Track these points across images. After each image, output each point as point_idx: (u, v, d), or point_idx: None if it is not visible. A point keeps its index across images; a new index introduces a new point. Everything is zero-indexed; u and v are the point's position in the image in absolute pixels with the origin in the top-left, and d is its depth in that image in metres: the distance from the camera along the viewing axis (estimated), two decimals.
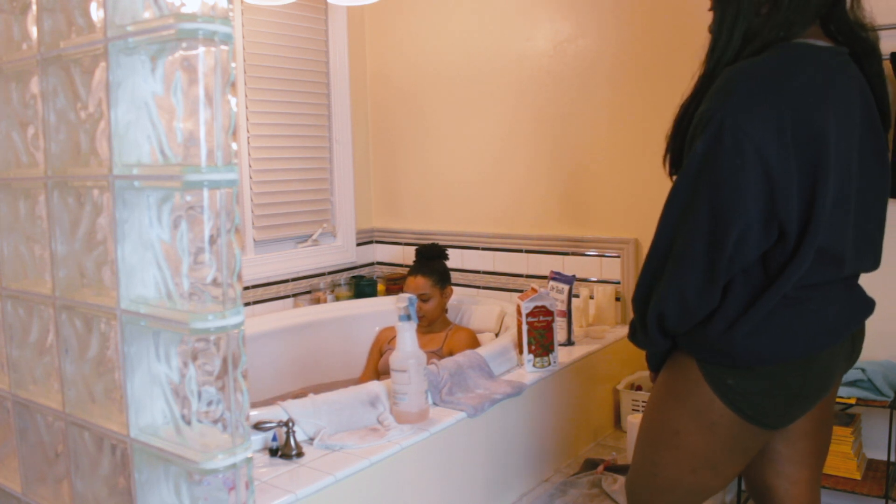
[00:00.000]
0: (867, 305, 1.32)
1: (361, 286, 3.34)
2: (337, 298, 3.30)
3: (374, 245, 3.61)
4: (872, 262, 1.33)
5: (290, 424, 1.72)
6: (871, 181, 1.27)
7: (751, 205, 1.12)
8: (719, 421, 1.24)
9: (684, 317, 1.21)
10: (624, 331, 2.77)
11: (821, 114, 1.14)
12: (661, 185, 1.38)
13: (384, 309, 3.11)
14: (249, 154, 3.04)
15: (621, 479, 2.17)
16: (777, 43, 1.18)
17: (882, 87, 1.28)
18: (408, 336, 1.91)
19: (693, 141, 1.16)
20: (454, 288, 2.89)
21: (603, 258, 2.90)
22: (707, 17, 1.29)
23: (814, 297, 1.21)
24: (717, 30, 1.24)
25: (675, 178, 1.31)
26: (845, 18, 1.24)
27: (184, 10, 0.96)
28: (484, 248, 3.24)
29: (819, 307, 1.23)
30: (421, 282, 2.72)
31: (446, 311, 2.86)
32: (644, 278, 1.26)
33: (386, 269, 3.57)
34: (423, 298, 2.70)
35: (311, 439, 1.79)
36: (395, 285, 3.38)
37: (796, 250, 1.16)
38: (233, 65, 0.96)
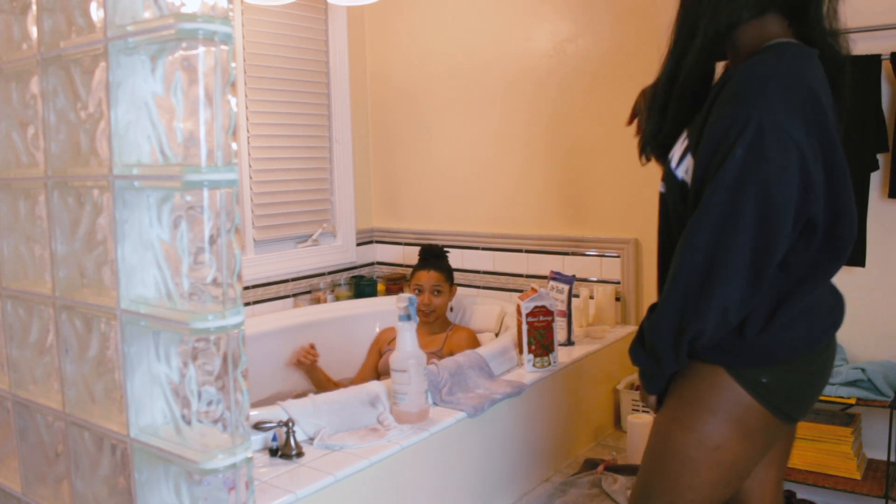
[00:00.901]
0: (839, 292, 1.34)
1: (361, 286, 3.34)
2: (337, 298, 3.30)
3: (374, 245, 3.61)
4: None
5: (290, 424, 1.72)
6: None
7: (792, 205, 1.12)
8: (756, 425, 1.23)
9: (722, 329, 1.18)
10: (624, 331, 2.77)
11: (830, 109, 1.16)
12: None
13: (384, 309, 3.11)
14: (249, 154, 3.04)
15: (621, 478, 2.17)
16: (728, 29, 1.19)
17: (844, 101, 1.27)
18: (408, 336, 1.91)
19: (720, 148, 1.12)
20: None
21: (603, 258, 2.89)
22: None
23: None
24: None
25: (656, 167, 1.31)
26: (820, 28, 1.22)
27: (184, 10, 0.96)
28: (484, 248, 3.24)
29: (822, 295, 1.26)
30: (435, 275, 2.74)
31: (451, 309, 2.86)
32: (673, 302, 1.17)
33: (386, 269, 3.57)
34: (437, 291, 2.72)
35: (311, 439, 1.79)
36: (395, 285, 3.38)
37: (834, 245, 1.17)
38: (233, 65, 0.96)
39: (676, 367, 1.24)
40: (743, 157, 1.09)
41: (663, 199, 1.31)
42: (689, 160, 1.21)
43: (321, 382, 2.76)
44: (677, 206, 1.24)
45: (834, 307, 1.30)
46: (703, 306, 1.15)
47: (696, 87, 1.25)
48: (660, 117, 1.29)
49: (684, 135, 1.25)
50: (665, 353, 1.22)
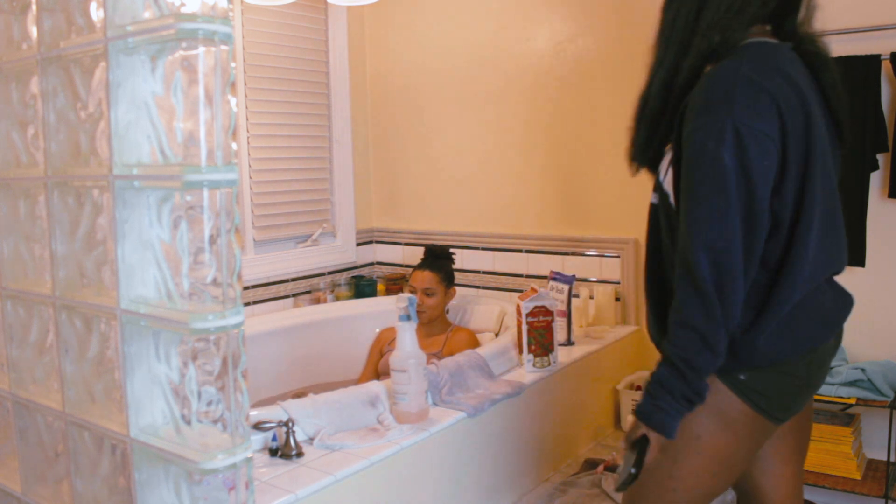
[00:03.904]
0: (850, 298, 1.35)
1: (361, 286, 3.34)
2: (337, 298, 3.30)
3: (374, 245, 3.61)
4: (843, 262, 1.35)
5: (290, 424, 1.72)
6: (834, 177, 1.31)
7: (768, 199, 1.16)
8: (739, 418, 1.25)
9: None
10: (624, 331, 2.77)
11: (807, 100, 1.18)
12: None
13: (384, 309, 3.11)
14: (249, 154, 3.04)
15: None
16: (721, 46, 1.21)
17: (838, 99, 1.29)
18: (408, 336, 1.91)
19: (703, 159, 1.15)
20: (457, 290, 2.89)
21: (603, 258, 2.89)
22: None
23: (810, 292, 1.24)
24: (672, 17, 1.30)
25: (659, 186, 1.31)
26: (795, 34, 1.27)
27: (184, 10, 0.96)
28: (484, 248, 3.24)
29: (816, 302, 1.26)
30: (428, 276, 2.73)
31: (448, 311, 2.86)
32: (714, 320, 1.16)
33: (386, 269, 3.57)
34: (427, 293, 2.71)
35: (311, 439, 1.79)
36: (395, 285, 3.38)
37: (799, 244, 1.19)
38: (233, 65, 0.96)
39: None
40: (730, 163, 1.12)
41: (654, 209, 1.33)
42: (671, 172, 1.25)
43: None
44: (670, 217, 1.27)
45: (828, 313, 1.29)
46: (731, 309, 1.16)
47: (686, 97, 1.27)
48: (651, 129, 1.30)
49: (669, 146, 1.27)
50: (719, 340, 1.18)
